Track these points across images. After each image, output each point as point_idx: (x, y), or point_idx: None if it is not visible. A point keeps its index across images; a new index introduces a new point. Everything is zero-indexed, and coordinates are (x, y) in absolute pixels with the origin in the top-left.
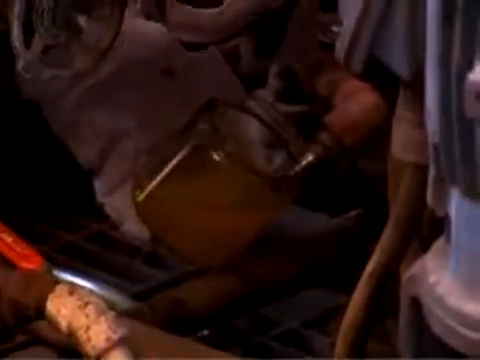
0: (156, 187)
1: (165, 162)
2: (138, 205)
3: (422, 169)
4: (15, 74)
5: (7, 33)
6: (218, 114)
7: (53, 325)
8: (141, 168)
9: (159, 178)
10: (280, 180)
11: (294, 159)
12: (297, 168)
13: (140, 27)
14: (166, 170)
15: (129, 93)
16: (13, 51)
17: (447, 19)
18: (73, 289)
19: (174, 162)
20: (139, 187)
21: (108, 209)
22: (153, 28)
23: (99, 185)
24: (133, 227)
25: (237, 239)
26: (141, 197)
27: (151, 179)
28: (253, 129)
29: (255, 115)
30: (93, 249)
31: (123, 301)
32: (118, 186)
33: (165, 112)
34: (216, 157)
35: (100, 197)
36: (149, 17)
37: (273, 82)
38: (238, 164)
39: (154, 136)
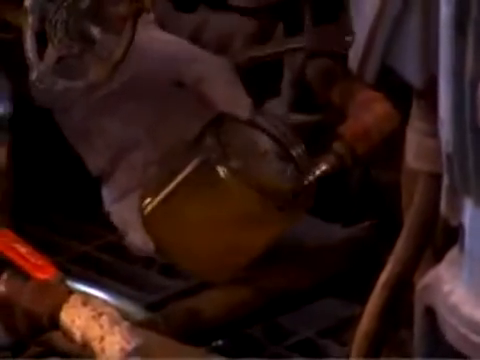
0: (162, 200)
1: (173, 175)
2: (144, 217)
3: (436, 178)
4: (29, 81)
5: (19, 41)
6: (226, 129)
7: (67, 336)
8: (149, 179)
9: (165, 192)
10: (288, 196)
11: (301, 174)
12: (311, 178)
13: (151, 38)
14: (173, 184)
15: (140, 104)
16: (26, 61)
17: (460, 28)
18: (87, 299)
19: (181, 177)
20: (147, 199)
21: (114, 218)
22: (164, 40)
23: (107, 193)
24: (137, 238)
25: (243, 255)
26: (148, 209)
27: (159, 191)
28: (261, 143)
29: (263, 130)
30: (107, 259)
31: (137, 311)
32: (126, 195)
33: (175, 123)
34: (222, 174)
35: (107, 205)
36: (163, 26)
37: (286, 91)
38: (244, 181)
39: (164, 147)
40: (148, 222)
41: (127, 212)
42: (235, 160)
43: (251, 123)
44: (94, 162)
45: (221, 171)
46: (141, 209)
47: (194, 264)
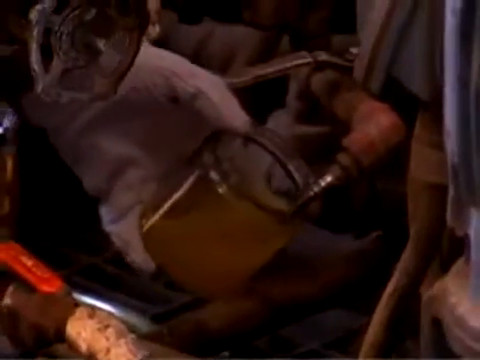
0: (161, 217)
1: (172, 191)
2: (144, 235)
3: (441, 189)
4: (21, 100)
5: (13, 58)
6: (223, 145)
7: (73, 348)
8: (148, 197)
9: (164, 208)
10: (287, 209)
11: (300, 189)
12: (316, 189)
13: (145, 54)
14: (171, 201)
15: (135, 120)
16: (22, 76)
17: (465, 37)
18: (93, 312)
19: (179, 193)
20: (145, 217)
21: (114, 238)
22: (158, 56)
23: (105, 213)
24: (138, 257)
25: (244, 270)
26: (147, 227)
27: (157, 209)
28: (259, 159)
29: (260, 145)
30: (113, 272)
31: (143, 324)
32: (124, 215)
33: (171, 140)
34: (220, 190)
35: (106, 225)
36: (167, 38)
37: (292, 103)
38: (242, 197)
39: (161, 164)
40: (147, 239)
41: (126, 231)
42: (233, 176)
43: (248, 138)
44: (90, 181)
45: (219, 188)
46: (140, 227)
47: (195, 281)
